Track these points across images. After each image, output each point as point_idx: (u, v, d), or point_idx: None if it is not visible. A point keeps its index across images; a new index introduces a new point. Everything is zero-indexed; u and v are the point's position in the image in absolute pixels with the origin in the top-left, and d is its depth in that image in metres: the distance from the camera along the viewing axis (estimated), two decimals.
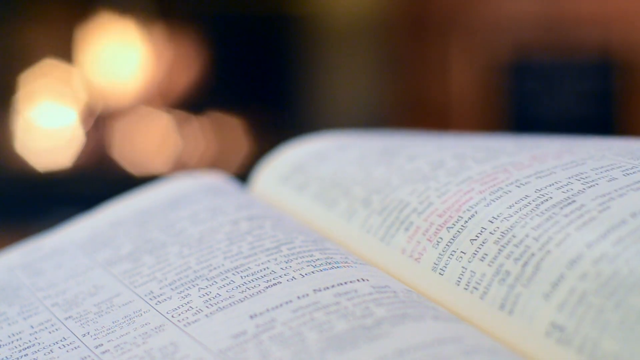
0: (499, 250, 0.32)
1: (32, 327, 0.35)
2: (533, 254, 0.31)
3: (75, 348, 0.33)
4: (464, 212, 0.35)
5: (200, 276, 0.35)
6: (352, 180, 0.41)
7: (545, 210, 0.33)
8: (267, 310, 0.32)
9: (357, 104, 1.75)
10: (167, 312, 0.34)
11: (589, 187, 0.33)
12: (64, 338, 0.34)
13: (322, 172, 0.43)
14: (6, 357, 0.34)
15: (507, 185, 0.35)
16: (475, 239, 0.33)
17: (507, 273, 0.31)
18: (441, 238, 0.35)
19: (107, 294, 0.36)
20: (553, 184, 0.34)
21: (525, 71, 1.70)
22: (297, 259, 0.35)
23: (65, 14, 1.72)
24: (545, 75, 1.69)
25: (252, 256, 0.36)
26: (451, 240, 0.34)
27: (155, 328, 0.33)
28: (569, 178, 0.35)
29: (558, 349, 0.29)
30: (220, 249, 0.37)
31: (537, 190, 0.34)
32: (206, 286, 0.34)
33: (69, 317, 0.35)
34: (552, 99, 1.68)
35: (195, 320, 0.32)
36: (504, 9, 1.69)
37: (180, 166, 1.70)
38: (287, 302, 0.32)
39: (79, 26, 1.72)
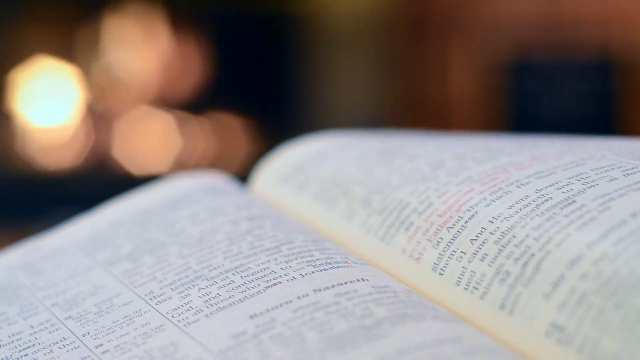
0: (499, 250, 0.32)
1: (32, 327, 0.35)
2: (533, 254, 0.31)
3: (75, 348, 0.33)
4: (464, 212, 0.35)
5: (200, 276, 0.35)
6: (352, 180, 0.41)
7: (546, 210, 0.33)
8: (267, 310, 0.32)
9: (357, 104, 1.75)
10: (167, 312, 0.34)
11: (589, 187, 0.33)
12: (64, 338, 0.34)
13: (322, 172, 0.43)
14: (6, 357, 0.34)
15: (507, 186, 0.35)
16: (476, 239, 0.33)
17: (507, 273, 0.31)
18: (441, 238, 0.35)
19: (107, 294, 0.36)
20: (553, 184, 0.34)
21: (525, 71, 1.70)
22: (297, 259, 0.35)
23: (67, 13, 1.72)
24: (545, 75, 1.69)
25: (252, 256, 0.36)
26: (451, 241, 0.34)
27: (155, 328, 0.33)
28: (569, 178, 0.35)
29: (558, 349, 0.29)
30: (220, 249, 0.37)
31: (537, 191, 0.34)
32: (206, 286, 0.34)
33: (69, 317, 0.35)
34: (552, 99, 1.68)
35: (195, 320, 0.32)
36: (504, 9, 1.69)
37: (181, 166, 1.70)
38: (287, 302, 0.32)
39: (80, 25, 1.72)
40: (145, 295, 0.35)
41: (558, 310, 0.29)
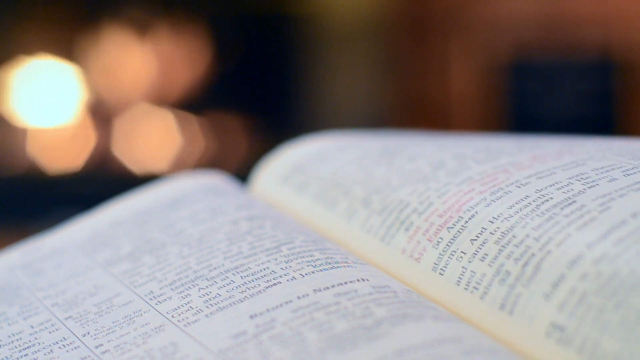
0: (500, 250, 0.32)
1: (32, 327, 0.35)
2: (533, 254, 0.31)
3: (75, 348, 0.33)
4: (464, 212, 0.35)
5: (200, 276, 0.35)
6: (352, 180, 0.41)
7: (546, 210, 0.33)
8: (267, 310, 0.32)
9: (357, 104, 1.75)
10: (167, 312, 0.34)
11: (590, 187, 0.33)
12: (64, 338, 0.34)
13: (322, 172, 0.43)
14: (6, 357, 0.34)
15: (507, 186, 0.35)
16: (476, 239, 0.33)
17: (508, 273, 0.31)
18: (441, 238, 0.35)
19: (107, 294, 0.36)
20: (553, 185, 0.34)
21: (525, 71, 1.70)
22: (297, 259, 0.35)
23: (67, 13, 1.72)
24: (545, 75, 1.69)
25: (252, 256, 0.36)
26: (451, 241, 0.34)
27: (155, 328, 0.33)
28: (570, 178, 0.35)
29: (558, 349, 0.29)
30: (220, 249, 0.37)
31: (537, 191, 0.34)
32: (206, 286, 0.34)
33: (69, 317, 0.35)
34: (552, 99, 1.68)
35: (195, 320, 0.32)
36: (504, 9, 1.69)
37: (180, 166, 1.70)
38: (287, 302, 0.32)
39: (80, 25, 1.72)
40: (145, 295, 0.35)
41: (558, 310, 0.29)
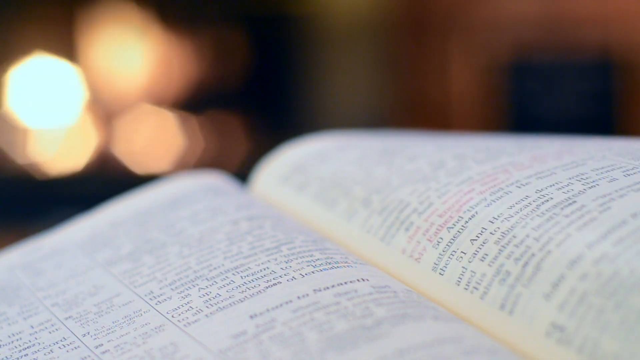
0: (500, 250, 0.32)
1: (32, 327, 0.35)
2: (533, 254, 0.31)
3: (75, 348, 0.33)
4: (465, 212, 0.35)
5: (200, 276, 0.35)
6: (352, 180, 0.41)
7: (546, 210, 0.33)
8: (267, 310, 0.32)
9: (357, 104, 1.75)
10: (167, 312, 0.34)
11: (590, 187, 0.33)
12: (64, 338, 0.34)
13: (322, 172, 0.43)
14: (6, 357, 0.34)
15: (507, 186, 0.35)
16: (476, 239, 0.33)
17: (508, 273, 0.31)
18: (441, 238, 0.35)
19: (107, 294, 0.36)
20: (553, 185, 0.34)
21: (525, 71, 1.70)
22: (297, 259, 0.35)
23: (66, 12, 1.72)
24: (545, 75, 1.69)
25: (252, 256, 0.36)
26: (451, 241, 0.34)
27: (155, 328, 0.33)
28: (570, 179, 0.35)
29: (558, 349, 0.29)
30: (220, 249, 0.37)
31: (537, 191, 0.34)
32: (206, 286, 0.34)
33: (69, 317, 0.35)
34: (552, 99, 1.68)
35: (195, 320, 0.32)
36: (504, 9, 1.69)
37: (181, 166, 1.70)
38: (287, 302, 0.32)
39: (80, 24, 1.72)
40: (145, 295, 0.35)
41: (558, 310, 0.29)
